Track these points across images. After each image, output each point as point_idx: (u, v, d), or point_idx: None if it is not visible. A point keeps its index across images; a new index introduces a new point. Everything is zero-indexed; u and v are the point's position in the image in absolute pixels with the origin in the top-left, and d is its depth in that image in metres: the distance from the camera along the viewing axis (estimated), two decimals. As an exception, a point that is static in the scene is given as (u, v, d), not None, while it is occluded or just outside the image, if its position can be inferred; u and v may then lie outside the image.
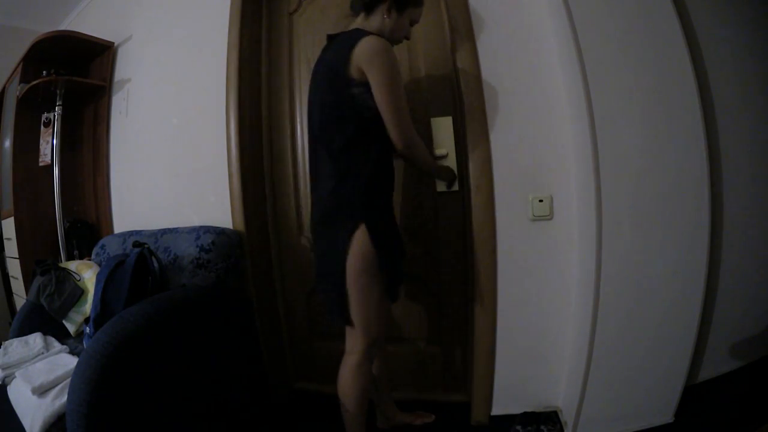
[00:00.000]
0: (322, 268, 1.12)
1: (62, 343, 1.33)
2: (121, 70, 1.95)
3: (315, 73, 1.13)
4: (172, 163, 1.72)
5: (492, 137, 1.31)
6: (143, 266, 1.25)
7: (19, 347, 1.27)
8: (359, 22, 1.11)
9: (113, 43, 1.97)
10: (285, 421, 1.51)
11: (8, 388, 1.14)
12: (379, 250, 1.01)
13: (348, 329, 1.09)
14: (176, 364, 1.11)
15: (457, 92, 1.38)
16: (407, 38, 1.17)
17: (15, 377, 1.14)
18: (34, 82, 1.81)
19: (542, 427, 1.25)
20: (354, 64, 0.98)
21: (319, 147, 1.09)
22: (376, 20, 1.08)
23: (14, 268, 2.08)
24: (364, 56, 0.97)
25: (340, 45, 1.04)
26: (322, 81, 1.08)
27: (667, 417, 1.23)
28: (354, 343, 1.08)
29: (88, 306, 1.43)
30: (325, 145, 1.06)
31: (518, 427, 1.26)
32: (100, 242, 1.66)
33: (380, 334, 1.10)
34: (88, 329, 1.23)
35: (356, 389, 1.08)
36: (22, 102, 1.94)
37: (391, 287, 1.09)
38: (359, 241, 1.00)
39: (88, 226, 2.00)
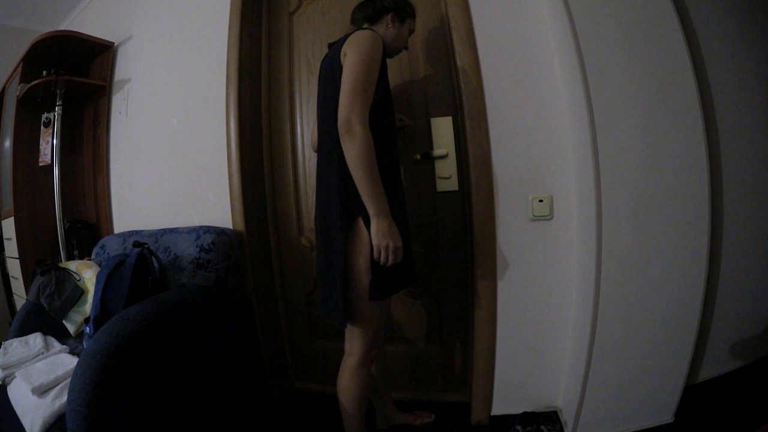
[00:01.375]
0: (321, 266, 1.10)
1: (62, 343, 1.33)
2: (121, 70, 1.95)
3: (320, 68, 1.15)
4: (172, 163, 1.72)
5: (492, 137, 1.31)
6: (143, 266, 1.25)
7: (19, 347, 1.27)
8: None
9: (113, 43, 1.98)
10: (285, 421, 1.51)
11: (8, 388, 1.14)
12: None
13: (347, 331, 1.08)
14: (176, 364, 1.11)
15: (457, 92, 1.38)
16: (406, 48, 1.21)
17: (15, 377, 1.14)
18: (34, 82, 1.81)
19: (542, 427, 1.25)
20: (343, 50, 1.00)
21: (321, 140, 1.09)
22: (380, 30, 1.11)
23: (14, 268, 2.08)
24: (349, 42, 1.00)
25: (339, 42, 1.05)
26: (322, 75, 1.11)
27: (667, 417, 1.23)
28: (352, 345, 1.08)
29: (88, 306, 1.43)
30: (326, 137, 1.06)
31: (518, 427, 1.26)
32: (100, 242, 1.66)
33: (379, 336, 1.09)
34: (88, 329, 1.23)
35: (355, 391, 1.08)
36: (22, 102, 1.94)
37: (387, 285, 1.02)
38: (358, 238, 0.98)
39: (88, 226, 2.00)
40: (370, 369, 1.11)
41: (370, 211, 0.94)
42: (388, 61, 1.11)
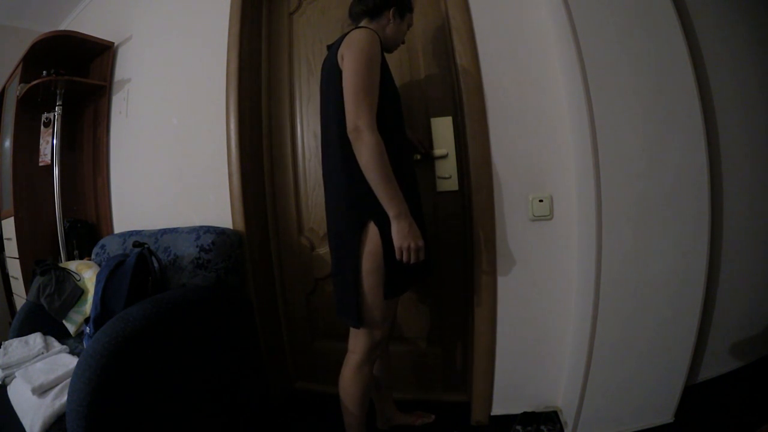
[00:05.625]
0: (333, 268, 1.11)
1: (62, 343, 1.33)
2: (121, 70, 1.95)
3: (321, 71, 1.15)
4: (172, 162, 1.72)
5: (492, 137, 1.31)
6: (143, 266, 1.25)
7: (19, 347, 1.27)
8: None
9: (113, 43, 1.98)
10: (285, 421, 1.51)
11: (8, 388, 1.14)
12: (387, 248, 0.98)
13: (352, 328, 1.09)
14: (176, 364, 1.11)
15: (457, 92, 1.38)
16: (403, 42, 1.21)
17: (15, 377, 1.14)
18: (34, 82, 1.81)
19: (542, 427, 1.25)
20: (340, 53, 1.00)
21: (325, 146, 1.10)
22: (380, 26, 1.12)
23: (14, 268, 2.08)
24: (345, 44, 0.99)
25: (336, 43, 1.06)
26: (323, 79, 1.11)
27: (667, 417, 1.23)
28: (356, 343, 1.08)
29: (88, 306, 1.43)
30: (329, 142, 1.06)
31: (518, 427, 1.26)
32: (100, 242, 1.66)
33: (384, 335, 1.09)
34: (88, 329, 1.23)
35: (357, 389, 1.08)
36: (22, 102, 1.94)
37: (400, 283, 1.05)
38: (370, 240, 0.98)
39: (88, 226, 2.00)
40: (371, 368, 1.11)
41: (390, 213, 0.95)
42: (388, 59, 1.11)
